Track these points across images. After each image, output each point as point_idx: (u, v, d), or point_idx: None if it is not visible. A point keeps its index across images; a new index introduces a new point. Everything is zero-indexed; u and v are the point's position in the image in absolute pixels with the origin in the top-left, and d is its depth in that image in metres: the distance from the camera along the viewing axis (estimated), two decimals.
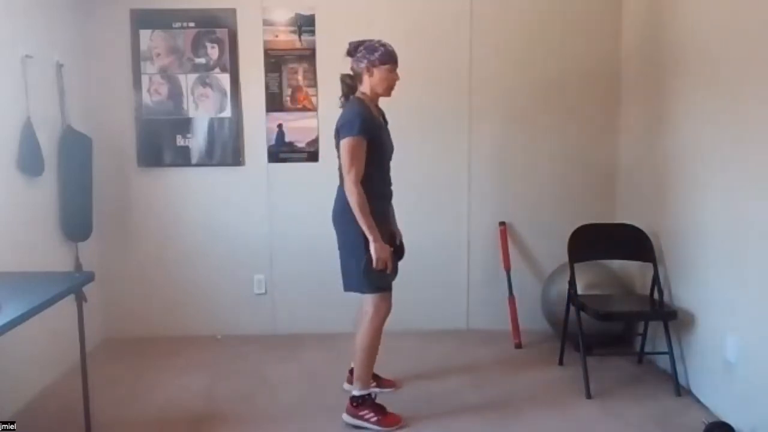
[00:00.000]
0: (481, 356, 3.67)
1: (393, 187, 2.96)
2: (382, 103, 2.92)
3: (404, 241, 3.09)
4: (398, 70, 2.83)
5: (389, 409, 2.88)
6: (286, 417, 2.94)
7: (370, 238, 2.70)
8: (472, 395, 3.15)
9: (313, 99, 3.93)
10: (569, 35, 3.91)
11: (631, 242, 3.44)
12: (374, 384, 3.09)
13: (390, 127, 2.99)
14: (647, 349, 3.48)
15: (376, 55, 2.77)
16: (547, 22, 3.90)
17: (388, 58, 2.79)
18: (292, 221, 3.99)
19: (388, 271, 2.77)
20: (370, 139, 2.72)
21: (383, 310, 2.85)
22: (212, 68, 3.90)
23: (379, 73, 2.77)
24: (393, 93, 2.86)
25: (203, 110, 3.92)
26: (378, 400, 2.90)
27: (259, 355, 3.73)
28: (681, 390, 3.12)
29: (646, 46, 3.59)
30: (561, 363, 3.51)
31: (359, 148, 2.69)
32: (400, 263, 3.00)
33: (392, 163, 2.94)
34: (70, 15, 3.68)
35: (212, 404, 3.09)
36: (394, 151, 2.95)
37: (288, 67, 3.91)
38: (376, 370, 3.05)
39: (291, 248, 4.02)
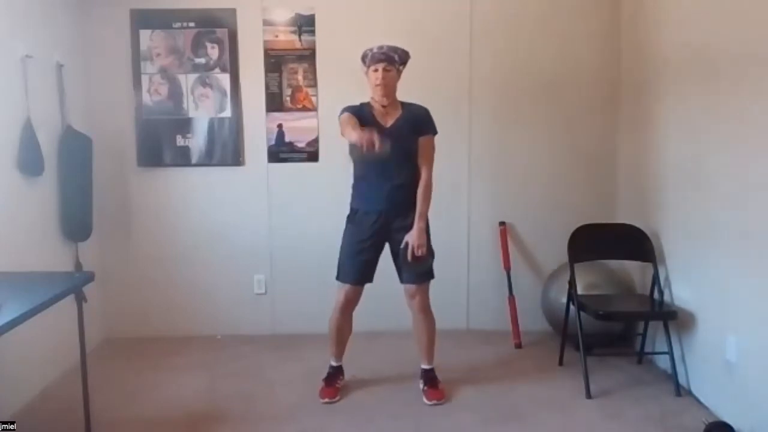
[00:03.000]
0: (481, 356, 3.67)
1: None
2: None
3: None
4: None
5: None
6: (286, 417, 2.94)
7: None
8: (472, 395, 3.15)
9: (313, 99, 3.93)
10: (569, 35, 3.91)
11: (631, 242, 3.44)
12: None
13: None
14: (647, 349, 3.48)
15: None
16: (547, 22, 3.90)
17: None
18: (292, 221, 3.98)
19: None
20: None
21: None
22: (212, 68, 3.90)
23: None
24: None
25: (203, 110, 3.92)
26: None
27: (259, 355, 3.73)
28: (681, 390, 3.12)
29: (646, 46, 3.59)
30: (561, 363, 3.51)
31: None
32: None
33: None
34: (70, 15, 3.68)
35: (212, 404, 3.09)
36: None
37: (288, 67, 3.91)
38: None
39: (291, 248, 4.01)
